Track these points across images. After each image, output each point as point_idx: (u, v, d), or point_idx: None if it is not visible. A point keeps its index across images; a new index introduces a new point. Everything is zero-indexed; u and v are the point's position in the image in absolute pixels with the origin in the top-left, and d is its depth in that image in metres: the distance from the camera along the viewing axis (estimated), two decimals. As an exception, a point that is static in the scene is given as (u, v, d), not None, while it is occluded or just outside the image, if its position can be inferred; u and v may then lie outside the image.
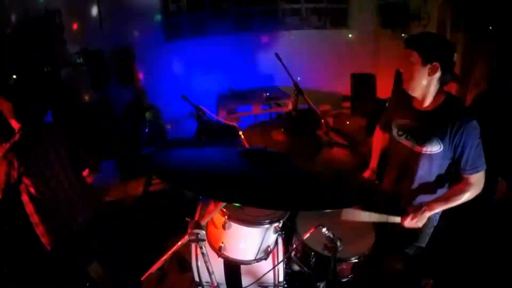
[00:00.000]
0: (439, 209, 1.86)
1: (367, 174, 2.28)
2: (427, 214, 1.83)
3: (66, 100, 4.29)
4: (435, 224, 2.05)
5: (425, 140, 1.83)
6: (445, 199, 1.85)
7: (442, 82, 1.78)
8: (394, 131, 2.03)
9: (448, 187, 1.95)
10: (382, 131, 2.29)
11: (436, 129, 1.80)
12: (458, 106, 1.85)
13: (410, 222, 1.82)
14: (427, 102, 1.83)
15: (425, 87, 1.79)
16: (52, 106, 3.99)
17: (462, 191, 1.81)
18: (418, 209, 1.82)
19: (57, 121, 4.04)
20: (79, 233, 2.36)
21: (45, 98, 3.91)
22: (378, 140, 2.32)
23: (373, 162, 2.31)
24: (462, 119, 1.73)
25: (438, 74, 1.74)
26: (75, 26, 4.52)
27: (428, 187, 1.95)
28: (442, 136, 1.78)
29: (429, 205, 1.83)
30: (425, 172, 1.92)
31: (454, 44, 1.79)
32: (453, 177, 1.92)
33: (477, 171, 1.79)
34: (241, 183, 1.19)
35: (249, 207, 1.73)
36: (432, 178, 1.92)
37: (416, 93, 1.83)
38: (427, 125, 1.83)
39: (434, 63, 1.71)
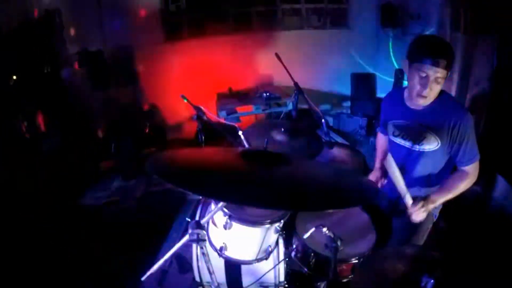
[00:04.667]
0: (441, 201, 1.85)
1: (373, 175, 2.24)
2: (431, 206, 1.80)
3: (66, 100, 4.28)
4: (435, 220, 2.05)
5: (422, 138, 1.84)
6: (445, 191, 1.83)
7: None
8: (390, 132, 2.04)
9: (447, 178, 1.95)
10: (382, 134, 2.28)
11: (433, 127, 1.80)
12: (452, 101, 1.86)
13: (416, 211, 1.77)
14: (429, 101, 1.80)
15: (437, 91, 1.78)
16: (52, 106, 4.00)
17: (460, 182, 1.81)
18: (422, 200, 1.78)
19: (56, 121, 4.05)
20: None
21: (45, 98, 3.92)
22: (381, 143, 2.31)
23: (378, 163, 2.28)
24: (458, 113, 1.75)
25: None
26: (75, 26, 4.51)
27: (428, 182, 1.96)
28: (440, 132, 1.78)
29: (431, 198, 1.80)
30: (424, 169, 1.93)
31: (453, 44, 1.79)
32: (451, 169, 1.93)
33: (474, 162, 1.80)
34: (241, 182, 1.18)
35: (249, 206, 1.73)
36: (431, 173, 1.93)
37: (428, 100, 1.79)
38: (424, 123, 1.83)
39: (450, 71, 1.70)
